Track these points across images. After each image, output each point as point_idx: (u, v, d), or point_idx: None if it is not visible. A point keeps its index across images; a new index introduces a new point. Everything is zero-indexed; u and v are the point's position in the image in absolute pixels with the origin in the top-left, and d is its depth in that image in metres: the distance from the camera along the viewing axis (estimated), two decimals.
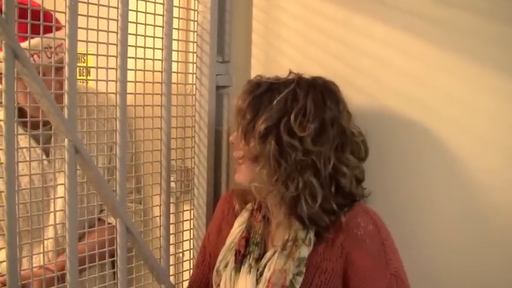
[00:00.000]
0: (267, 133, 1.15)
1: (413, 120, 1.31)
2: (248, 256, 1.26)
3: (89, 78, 1.75)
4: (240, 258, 1.26)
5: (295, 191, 1.14)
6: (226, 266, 1.29)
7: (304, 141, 1.14)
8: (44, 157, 1.53)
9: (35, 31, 1.21)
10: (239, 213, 1.36)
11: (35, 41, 1.28)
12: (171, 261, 1.55)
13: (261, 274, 1.21)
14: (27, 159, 1.39)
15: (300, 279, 1.14)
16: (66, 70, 1.15)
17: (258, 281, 1.21)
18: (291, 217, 1.18)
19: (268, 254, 1.23)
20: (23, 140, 1.48)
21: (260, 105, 1.18)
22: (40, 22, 1.20)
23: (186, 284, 1.61)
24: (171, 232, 1.54)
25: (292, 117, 1.14)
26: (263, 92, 1.19)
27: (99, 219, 1.55)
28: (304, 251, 1.16)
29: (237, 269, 1.26)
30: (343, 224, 1.17)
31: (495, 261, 1.21)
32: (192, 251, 1.63)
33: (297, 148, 1.14)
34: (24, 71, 1.08)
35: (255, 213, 1.33)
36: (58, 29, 1.30)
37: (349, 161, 1.21)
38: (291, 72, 1.26)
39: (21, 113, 1.23)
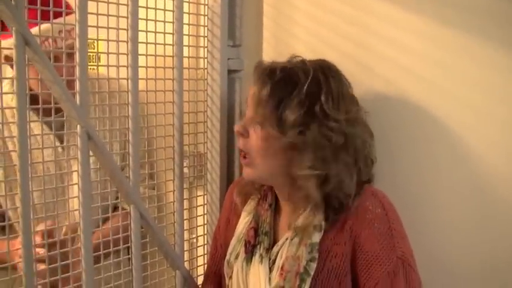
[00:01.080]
0: (305, 120, 1.13)
1: (425, 102, 1.30)
2: (258, 246, 1.26)
3: (99, 64, 1.74)
4: (250, 249, 1.26)
5: (337, 174, 1.14)
6: (236, 257, 1.29)
7: (341, 123, 1.14)
8: (58, 144, 1.53)
9: (45, 17, 1.20)
10: (242, 207, 1.35)
11: (45, 26, 1.26)
12: (185, 246, 1.55)
13: (274, 262, 1.21)
14: (41, 146, 1.39)
15: (313, 265, 1.14)
16: (77, 56, 1.15)
17: (270, 269, 1.21)
18: (318, 204, 1.16)
19: (280, 242, 1.22)
20: (37, 127, 1.47)
21: (282, 93, 1.15)
22: (50, 8, 1.19)
23: (200, 269, 1.62)
24: (184, 218, 1.54)
25: (324, 101, 1.13)
26: (281, 78, 1.16)
27: (114, 206, 1.56)
28: (316, 237, 1.16)
29: (248, 259, 1.25)
30: (352, 208, 1.16)
31: (505, 240, 1.21)
32: (206, 236, 1.62)
33: (337, 130, 1.13)
34: (35, 57, 1.08)
35: (261, 203, 1.32)
36: (68, 14, 1.29)
37: (373, 136, 1.25)
38: (293, 56, 1.24)
39: (34, 99, 1.22)
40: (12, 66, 1.07)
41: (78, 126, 1.16)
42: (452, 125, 1.26)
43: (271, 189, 1.31)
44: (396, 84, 1.34)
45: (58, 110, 1.21)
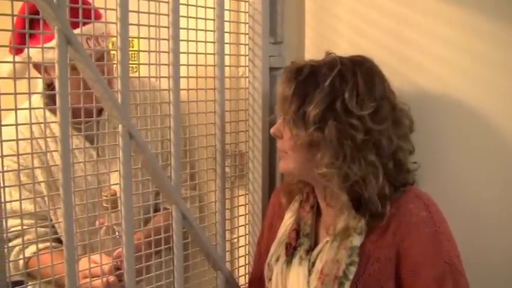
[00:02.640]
0: (324, 117, 1.11)
1: (469, 97, 1.26)
2: (299, 248, 1.24)
3: (140, 63, 1.74)
4: (291, 251, 1.24)
5: (359, 172, 1.10)
6: (277, 259, 1.28)
7: (364, 120, 1.11)
8: (94, 154, 1.52)
9: (84, 17, 1.19)
10: (287, 207, 1.34)
11: (87, 28, 1.26)
12: (227, 247, 1.53)
13: (313, 265, 1.19)
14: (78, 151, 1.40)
15: (353, 269, 1.11)
16: (118, 54, 1.14)
17: (310, 272, 1.18)
18: (346, 204, 1.14)
19: (320, 245, 1.20)
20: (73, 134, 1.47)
21: (306, 90, 1.14)
22: (91, 6, 1.18)
23: (241, 270, 1.61)
24: (230, 217, 1.53)
25: (346, 97, 1.11)
26: (307, 76, 1.15)
27: (155, 206, 1.55)
28: (356, 240, 1.13)
29: (288, 261, 1.24)
30: (395, 211, 1.13)
31: None
32: (247, 236, 1.61)
33: (358, 128, 1.10)
34: (76, 56, 1.07)
35: (303, 204, 1.31)
36: (99, 17, 1.29)
37: (407, 135, 1.20)
38: (327, 53, 1.23)
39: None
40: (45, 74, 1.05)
41: (120, 125, 1.14)
42: (501, 121, 1.22)
43: (313, 191, 1.29)
44: (441, 79, 1.30)
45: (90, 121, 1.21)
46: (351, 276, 1.11)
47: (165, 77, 1.25)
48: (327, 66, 1.15)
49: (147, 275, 1.30)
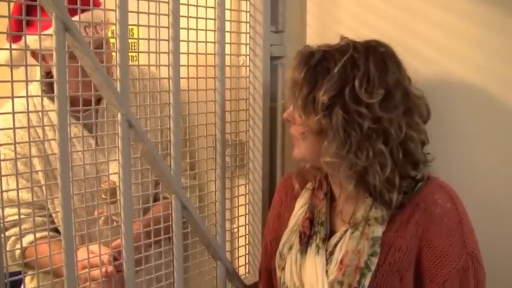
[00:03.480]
0: (332, 104, 1.09)
1: (473, 85, 1.26)
2: (314, 237, 1.22)
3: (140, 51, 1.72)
4: (305, 240, 1.22)
5: (366, 161, 1.09)
6: (290, 248, 1.25)
7: (372, 108, 1.08)
8: (93, 144, 1.51)
9: (82, 4, 1.18)
10: (299, 195, 1.32)
11: (85, 15, 1.25)
12: (227, 237, 1.52)
13: (331, 254, 1.17)
14: (77, 140, 1.38)
15: (375, 260, 1.11)
16: (117, 42, 1.12)
17: (327, 261, 1.17)
18: (360, 191, 1.13)
19: (338, 234, 1.19)
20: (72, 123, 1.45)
21: (317, 75, 1.12)
22: None
23: (241, 260, 1.60)
24: (230, 207, 1.52)
25: (356, 84, 1.08)
26: (318, 61, 1.13)
27: (154, 196, 1.54)
28: (379, 230, 1.12)
29: (303, 250, 1.22)
30: (419, 200, 1.12)
31: None
32: (247, 226, 1.60)
33: (366, 116, 1.08)
34: (75, 44, 1.06)
35: (316, 192, 1.29)
36: (98, 4, 1.28)
37: (418, 125, 1.16)
38: (342, 37, 1.20)
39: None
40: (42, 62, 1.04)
41: (119, 114, 1.13)
42: (505, 104, 1.22)
43: (326, 178, 1.27)
44: (444, 67, 1.30)
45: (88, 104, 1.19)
46: (373, 267, 1.10)
47: (165, 66, 1.23)
48: (339, 52, 1.13)
49: (147, 265, 1.29)
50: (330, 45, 1.17)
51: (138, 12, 1.22)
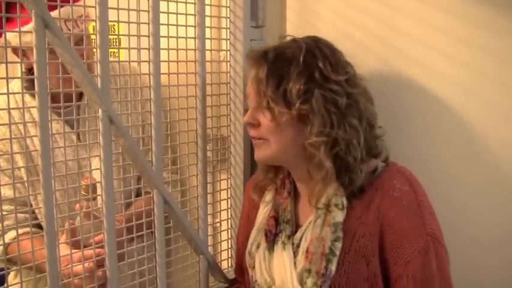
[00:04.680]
0: (307, 89, 1.13)
1: (454, 85, 1.27)
2: (280, 234, 1.24)
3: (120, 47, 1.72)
4: (271, 238, 1.25)
5: (345, 137, 1.13)
6: (258, 247, 1.28)
7: (342, 85, 1.15)
8: (68, 129, 1.51)
9: (62, 1, 1.17)
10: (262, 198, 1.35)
11: (64, 10, 1.24)
12: (209, 231, 1.53)
13: (298, 246, 1.20)
14: (59, 136, 1.38)
15: (338, 244, 1.13)
16: (97, 38, 1.12)
17: (295, 254, 1.19)
18: (331, 171, 1.14)
19: (303, 227, 1.21)
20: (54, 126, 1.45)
21: (280, 69, 1.16)
22: None
23: (224, 254, 1.61)
24: (212, 201, 1.53)
25: (321, 66, 1.14)
26: (276, 57, 1.17)
27: (137, 191, 1.54)
28: (339, 216, 1.14)
29: (270, 248, 1.24)
30: (378, 186, 1.15)
31: None
32: (229, 220, 1.61)
33: (340, 92, 1.14)
34: (55, 41, 1.06)
35: (279, 191, 1.31)
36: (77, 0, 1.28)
37: (372, 100, 1.24)
38: (281, 37, 1.27)
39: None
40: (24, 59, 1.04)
41: (100, 110, 1.14)
42: (463, 111, 1.26)
43: (289, 177, 1.30)
44: (422, 64, 1.31)
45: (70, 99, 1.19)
46: (338, 252, 1.12)
47: (146, 61, 1.24)
48: (292, 46, 1.18)
49: (129, 260, 1.30)
50: (275, 44, 1.22)
51: (118, 9, 1.22)
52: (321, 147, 1.13)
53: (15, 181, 1.27)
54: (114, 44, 1.80)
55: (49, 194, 1.07)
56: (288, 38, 1.24)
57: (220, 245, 1.62)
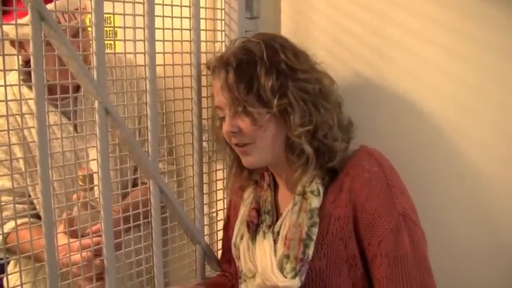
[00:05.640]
0: (281, 84, 1.15)
1: (442, 92, 1.27)
2: (261, 225, 1.27)
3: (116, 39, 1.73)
4: (253, 228, 1.27)
5: (323, 121, 1.16)
6: (242, 238, 1.31)
7: (308, 72, 1.18)
8: (66, 120, 1.52)
9: None
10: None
11: (60, 2, 1.25)
12: (205, 221, 1.55)
13: (278, 234, 1.22)
14: (57, 128, 1.40)
15: (315, 229, 1.15)
16: (93, 31, 1.14)
17: (275, 241, 1.22)
18: (311, 156, 1.16)
19: (283, 215, 1.24)
20: (51, 117, 1.47)
21: (247, 72, 1.16)
22: None
23: (220, 244, 1.62)
24: (209, 191, 1.55)
25: (285, 59, 1.17)
26: (239, 61, 1.17)
27: (133, 181, 1.56)
28: (315, 202, 1.16)
29: (253, 238, 1.27)
30: (349, 169, 1.17)
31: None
32: (225, 210, 1.62)
33: (309, 79, 1.17)
34: (51, 33, 1.07)
35: (259, 183, 1.34)
36: None
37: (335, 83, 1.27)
38: (231, 42, 1.28)
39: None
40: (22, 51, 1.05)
41: (96, 101, 1.15)
42: (454, 128, 1.26)
43: (267, 169, 1.32)
44: (413, 73, 1.31)
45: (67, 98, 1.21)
46: (314, 237, 1.14)
47: (141, 53, 1.25)
48: (250, 46, 1.19)
49: (126, 249, 1.32)
50: (227, 50, 1.25)
51: (113, 1, 1.23)
52: (304, 136, 1.15)
53: (14, 172, 1.29)
54: (110, 35, 1.81)
55: (47, 185, 1.09)
56: (240, 40, 1.24)
57: (217, 234, 1.64)
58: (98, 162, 1.18)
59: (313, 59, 1.24)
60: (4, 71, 1.13)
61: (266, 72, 1.15)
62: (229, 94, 1.17)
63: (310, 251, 1.14)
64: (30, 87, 1.41)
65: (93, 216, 1.24)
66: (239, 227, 1.34)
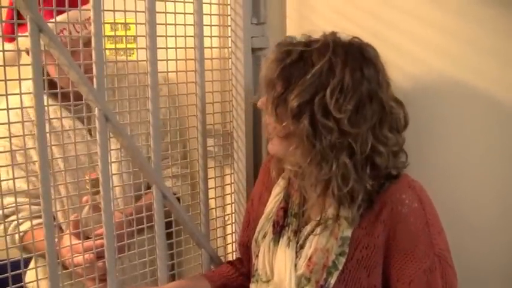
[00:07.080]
0: (300, 111, 1.06)
1: (459, 83, 1.23)
2: (287, 228, 1.23)
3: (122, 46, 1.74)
4: (278, 229, 1.23)
5: (329, 173, 1.08)
6: (264, 236, 1.27)
7: (340, 122, 1.05)
8: (89, 137, 1.57)
9: (61, 5, 1.23)
10: (276, 181, 1.32)
11: (63, 16, 1.31)
12: (216, 224, 1.57)
13: (302, 247, 1.17)
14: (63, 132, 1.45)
15: (342, 259, 1.10)
16: (93, 40, 1.18)
17: (297, 255, 1.18)
18: (318, 200, 1.14)
19: (308, 227, 1.19)
20: (67, 122, 1.52)
21: (292, 76, 1.09)
22: None
23: (229, 248, 1.64)
24: (215, 196, 1.56)
25: (328, 93, 1.05)
26: (294, 61, 1.09)
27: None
28: (348, 230, 1.11)
29: (276, 240, 1.22)
30: (387, 199, 1.11)
31: None
32: (233, 215, 1.64)
33: (333, 129, 1.06)
34: (51, 44, 1.11)
35: (292, 182, 1.28)
36: (85, 2, 1.32)
37: (387, 139, 1.12)
38: (324, 33, 1.15)
39: (64, 96, 1.26)
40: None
41: (96, 108, 1.19)
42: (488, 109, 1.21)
43: None
44: (428, 64, 1.28)
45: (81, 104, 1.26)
46: (340, 266, 1.10)
47: (144, 61, 1.29)
48: (317, 52, 1.08)
49: (129, 252, 1.35)
50: (310, 41, 1.13)
51: (114, 11, 1.27)
52: (302, 177, 1.12)
53: (29, 175, 1.35)
54: (129, 43, 1.85)
55: (47, 188, 1.14)
56: (329, 38, 1.12)
57: (225, 238, 1.65)
58: (99, 167, 1.22)
59: (378, 108, 1.10)
60: (19, 80, 1.21)
61: (302, 90, 1.07)
62: (267, 85, 1.14)
63: (333, 280, 1.10)
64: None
65: (100, 219, 1.28)
66: (263, 223, 1.28)
